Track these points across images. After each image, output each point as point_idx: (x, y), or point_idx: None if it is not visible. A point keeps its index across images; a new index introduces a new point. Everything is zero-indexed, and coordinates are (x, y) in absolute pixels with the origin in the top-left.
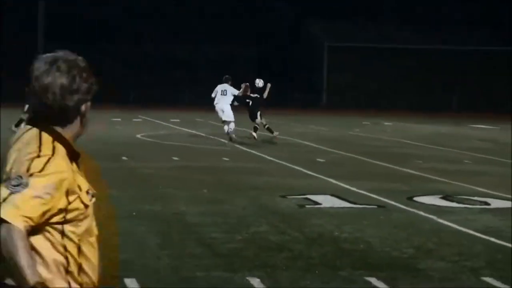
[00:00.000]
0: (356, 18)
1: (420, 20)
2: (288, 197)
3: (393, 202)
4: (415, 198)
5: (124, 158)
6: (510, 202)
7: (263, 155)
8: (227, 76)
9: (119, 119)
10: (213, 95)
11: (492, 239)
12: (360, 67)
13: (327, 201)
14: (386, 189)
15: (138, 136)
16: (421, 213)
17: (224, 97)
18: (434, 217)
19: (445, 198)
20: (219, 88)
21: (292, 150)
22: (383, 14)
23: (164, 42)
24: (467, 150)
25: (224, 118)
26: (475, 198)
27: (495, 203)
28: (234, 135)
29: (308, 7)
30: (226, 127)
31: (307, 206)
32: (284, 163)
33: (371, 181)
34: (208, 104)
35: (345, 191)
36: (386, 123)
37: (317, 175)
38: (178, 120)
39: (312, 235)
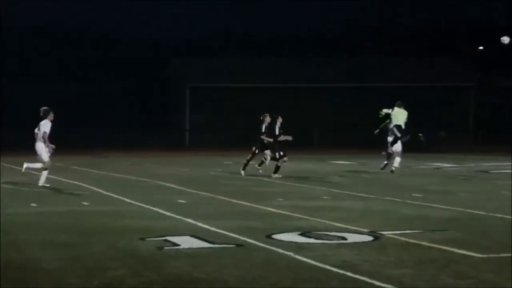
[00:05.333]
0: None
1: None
2: (147, 239)
3: (251, 241)
4: (273, 236)
5: None
6: (366, 236)
7: (123, 198)
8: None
9: None
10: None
11: (348, 273)
12: (219, 107)
13: (186, 242)
14: (245, 228)
15: None
16: (280, 250)
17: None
18: (292, 254)
19: (303, 234)
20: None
21: (152, 192)
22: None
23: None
24: (326, 186)
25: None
26: (333, 233)
27: (352, 238)
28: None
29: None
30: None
31: (165, 248)
32: (144, 205)
33: (230, 220)
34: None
35: (205, 231)
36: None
37: (177, 216)
38: None
39: (170, 277)
